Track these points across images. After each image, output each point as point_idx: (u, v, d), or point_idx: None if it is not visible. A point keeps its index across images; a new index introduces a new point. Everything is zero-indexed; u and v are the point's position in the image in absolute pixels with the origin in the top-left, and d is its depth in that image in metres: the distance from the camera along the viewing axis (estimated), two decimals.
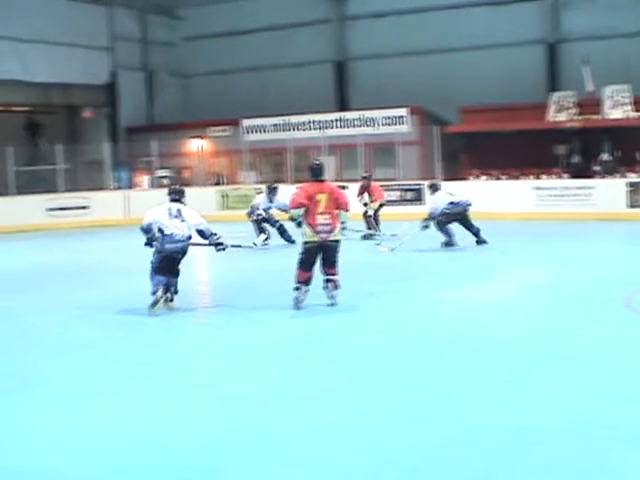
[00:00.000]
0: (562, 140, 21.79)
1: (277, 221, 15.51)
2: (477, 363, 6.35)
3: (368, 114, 24.73)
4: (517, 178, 21.51)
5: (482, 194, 18.83)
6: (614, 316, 8.04)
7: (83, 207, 22.82)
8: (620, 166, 20.57)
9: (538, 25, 24.73)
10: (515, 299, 9.33)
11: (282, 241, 15.38)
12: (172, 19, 30.32)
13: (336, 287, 8.86)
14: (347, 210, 8.93)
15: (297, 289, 8.76)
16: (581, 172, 20.78)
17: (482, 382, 5.83)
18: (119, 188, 25.74)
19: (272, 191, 15.89)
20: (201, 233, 9.12)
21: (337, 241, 8.83)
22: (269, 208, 15.68)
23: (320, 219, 8.69)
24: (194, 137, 27.45)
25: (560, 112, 22.00)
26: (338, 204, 8.83)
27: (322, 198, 8.74)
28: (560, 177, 21.26)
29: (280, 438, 4.79)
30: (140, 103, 28.98)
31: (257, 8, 28.35)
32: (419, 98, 23.99)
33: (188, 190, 11.38)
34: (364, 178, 17.33)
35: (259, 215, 15.56)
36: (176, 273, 8.94)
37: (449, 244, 13.86)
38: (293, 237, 14.62)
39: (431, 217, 13.89)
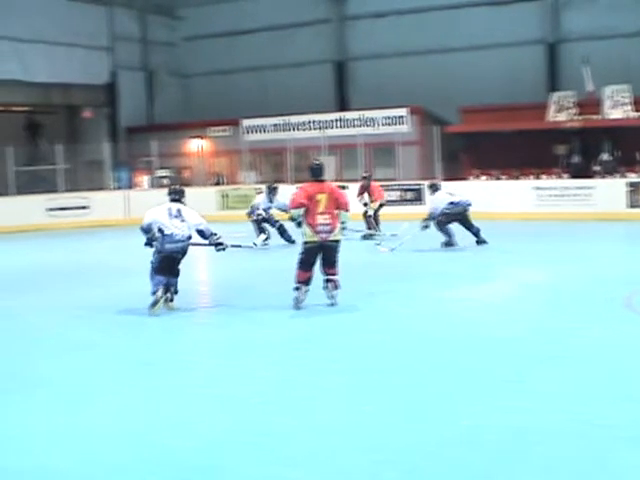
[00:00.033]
0: (562, 140, 21.79)
1: (277, 221, 15.50)
2: (477, 363, 6.35)
3: (368, 114, 24.73)
4: (517, 178, 21.50)
5: (482, 194, 18.83)
6: (614, 316, 8.04)
7: (83, 207, 22.82)
8: (620, 166, 20.57)
9: (538, 25, 24.73)
10: (515, 299, 9.33)
11: (282, 241, 15.38)
12: (172, 19, 30.32)
13: (336, 287, 8.86)
14: (347, 210, 8.93)
15: (297, 289, 8.76)
16: (581, 172, 20.78)
17: (482, 382, 5.83)
18: (119, 188, 25.73)
19: (272, 191, 15.88)
20: (201, 233, 9.12)
21: (337, 241, 8.83)
22: (269, 208, 15.68)
23: (320, 219, 8.69)
24: (194, 137, 27.44)
25: (560, 112, 22.00)
26: (338, 204, 8.83)
27: (322, 198, 8.74)
28: (560, 177, 21.25)
29: (280, 438, 4.80)
30: (140, 103, 28.97)
31: (257, 8, 28.35)
32: (419, 98, 23.99)
33: (188, 190, 11.38)
34: (364, 178, 17.32)
35: (259, 215, 15.56)
36: (176, 273, 8.94)
37: (449, 244, 13.86)
38: (293, 237, 14.62)
39: (431, 217, 13.90)
